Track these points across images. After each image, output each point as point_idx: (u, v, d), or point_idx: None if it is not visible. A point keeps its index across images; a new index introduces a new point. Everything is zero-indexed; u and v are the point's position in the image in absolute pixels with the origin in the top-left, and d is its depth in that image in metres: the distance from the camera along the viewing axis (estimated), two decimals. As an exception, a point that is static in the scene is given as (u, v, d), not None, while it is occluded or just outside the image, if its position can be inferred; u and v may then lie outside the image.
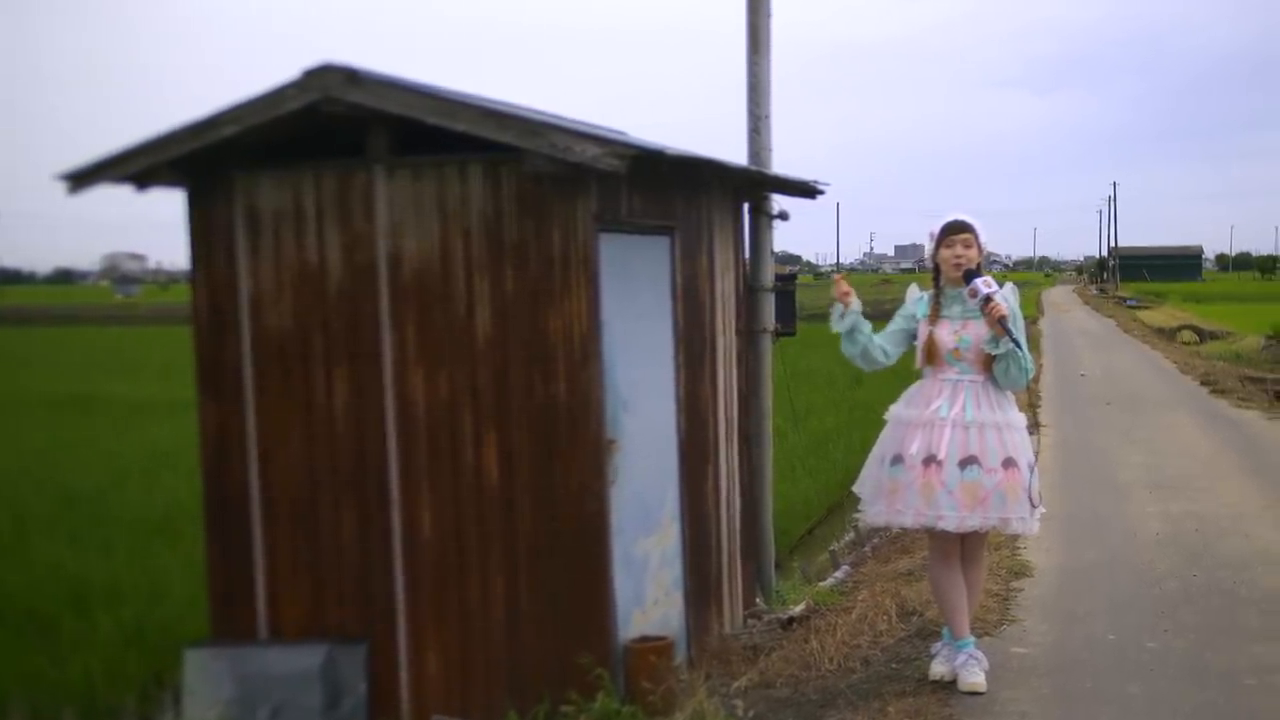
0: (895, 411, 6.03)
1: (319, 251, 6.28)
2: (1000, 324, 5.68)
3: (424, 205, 6.10)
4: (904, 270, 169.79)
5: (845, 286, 6.02)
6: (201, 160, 6.27)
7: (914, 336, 6.03)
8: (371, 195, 6.17)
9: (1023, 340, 5.81)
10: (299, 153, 6.32)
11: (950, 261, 5.91)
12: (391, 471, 6.22)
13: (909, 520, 5.87)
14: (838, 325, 6.06)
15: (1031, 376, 5.93)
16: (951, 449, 5.74)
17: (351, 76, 5.85)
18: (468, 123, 5.74)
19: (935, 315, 5.94)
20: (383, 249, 6.18)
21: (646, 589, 6.52)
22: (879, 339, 6.08)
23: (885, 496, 5.93)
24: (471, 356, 6.09)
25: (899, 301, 6.26)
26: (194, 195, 6.47)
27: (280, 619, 6.44)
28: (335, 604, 6.35)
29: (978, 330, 5.82)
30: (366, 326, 6.22)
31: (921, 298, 6.07)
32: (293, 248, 6.32)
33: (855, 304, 6.01)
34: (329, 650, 6.20)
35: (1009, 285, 5.96)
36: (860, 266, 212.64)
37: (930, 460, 5.76)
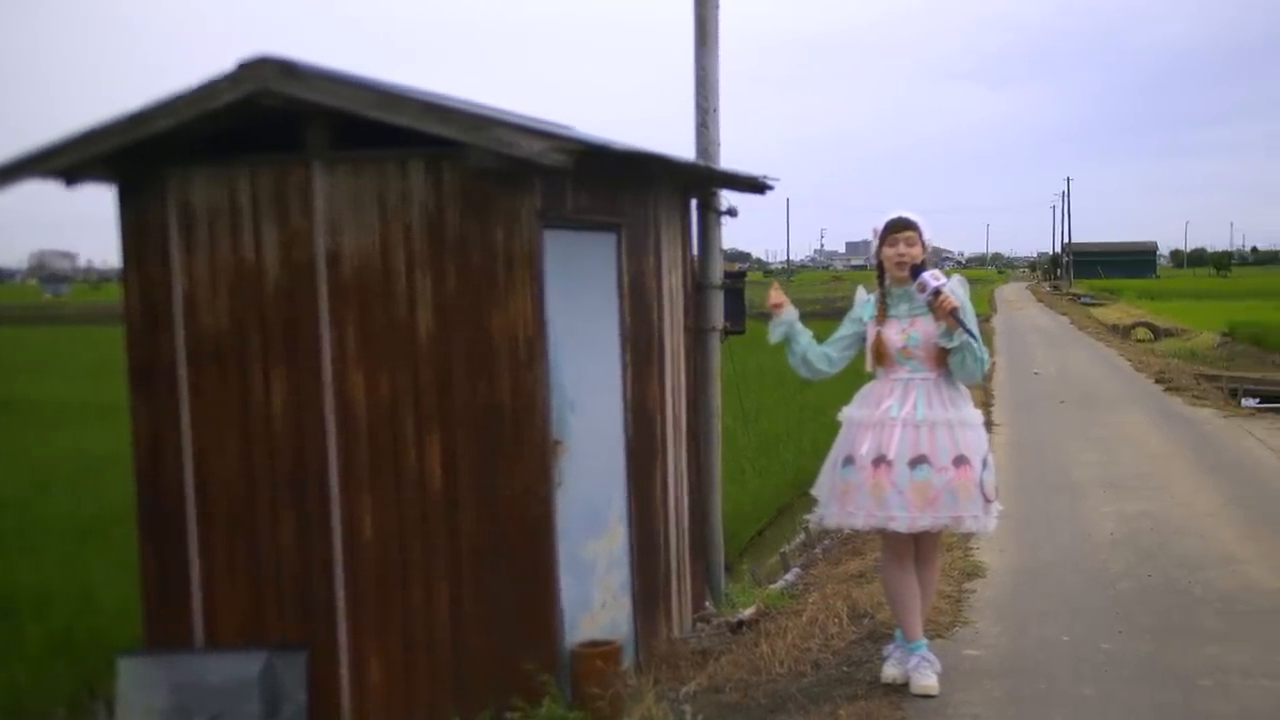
0: (848, 413, 6.08)
1: (255, 249, 6.25)
2: (952, 315, 5.74)
3: (364, 201, 6.09)
4: (855, 267, 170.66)
5: (778, 296, 6.08)
6: (134, 155, 6.23)
7: (864, 340, 6.09)
8: (310, 191, 6.15)
9: (976, 331, 5.88)
10: (239, 148, 6.30)
11: (893, 260, 5.96)
12: (332, 474, 6.21)
13: (860, 521, 5.92)
14: (772, 336, 6.14)
15: (987, 368, 5.99)
16: (901, 449, 5.80)
17: (288, 69, 5.83)
18: (409, 116, 5.73)
19: (882, 315, 6.00)
20: (321, 246, 6.16)
21: (593, 593, 6.54)
22: (823, 347, 6.13)
23: (837, 498, 5.99)
24: (413, 356, 6.09)
25: (850, 299, 6.32)
26: (125, 191, 6.43)
27: (217, 626, 6.41)
28: (274, 610, 6.33)
29: (926, 327, 5.88)
30: (305, 326, 6.21)
31: (868, 300, 6.13)
32: (228, 245, 6.29)
33: (789, 313, 6.08)
34: (268, 657, 6.17)
35: (957, 278, 6.02)
36: (811, 263, 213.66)
37: (880, 460, 5.81)
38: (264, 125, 6.20)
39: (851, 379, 6.25)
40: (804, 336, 6.13)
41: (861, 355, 6.13)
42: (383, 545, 6.17)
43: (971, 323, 5.87)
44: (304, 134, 6.13)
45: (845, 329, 6.15)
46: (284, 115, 6.03)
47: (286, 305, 6.23)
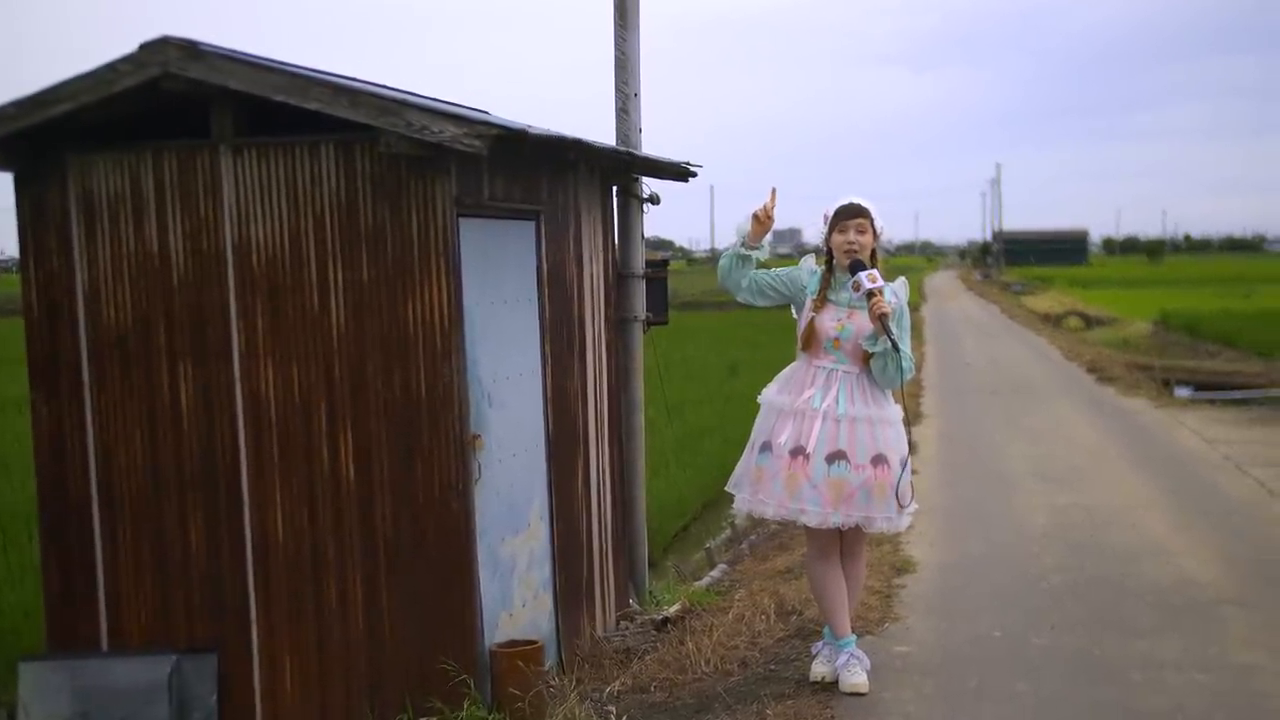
0: (768, 396, 6.12)
1: (160, 238, 6.23)
2: (881, 321, 5.80)
3: (273, 189, 6.09)
4: (782, 256, 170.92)
5: (768, 214, 6.04)
6: (32, 141, 6.20)
7: (788, 301, 6.15)
8: (216, 178, 6.14)
9: (906, 340, 5.94)
10: (149, 134, 6.28)
11: (842, 248, 6.00)
12: (242, 471, 6.22)
13: (770, 511, 5.98)
14: (735, 246, 6.10)
15: (910, 377, 6.06)
16: (820, 443, 5.86)
17: (191, 50, 5.82)
18: (319, 100, 5.74)
19: (822, 299, 6.05)
20: (229, 235, 6.16)
21: (514, 591, 6.58)
22: (758, 276, 6.15)
23: (751, 483, 6.05)
24: (325, 349, 6.10)
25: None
26: (23, 179, 6.38)
27: (123, 628, 6.39)
28: (183, 611, 6.33)
29: (862, 322, 5.91)
30: (213, 318, 6.20)
31: (816, 272, 6.15)
32: (132, 235, 6.27)
33: (763, 247, 6.09)
34: (176, 660, 6.17)
35: (901, 280, 6.08)
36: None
37: (798, 452, 5.88)
38: (174, 110, 6.19)
39: (778, 368, 6.31)
40: (751, 266, 6.16)
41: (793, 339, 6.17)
42: (295, 544, 6.18)
43: (904, 331, 5.95)
44: (211, 119, 6.12)
45: (779, 279, 6.15)
46: (191, 100, 6.03)
47: (194, 297, 6.22)
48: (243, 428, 6.20)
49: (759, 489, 5.99)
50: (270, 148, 6.08)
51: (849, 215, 6.02)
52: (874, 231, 6.03)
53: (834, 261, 6.07)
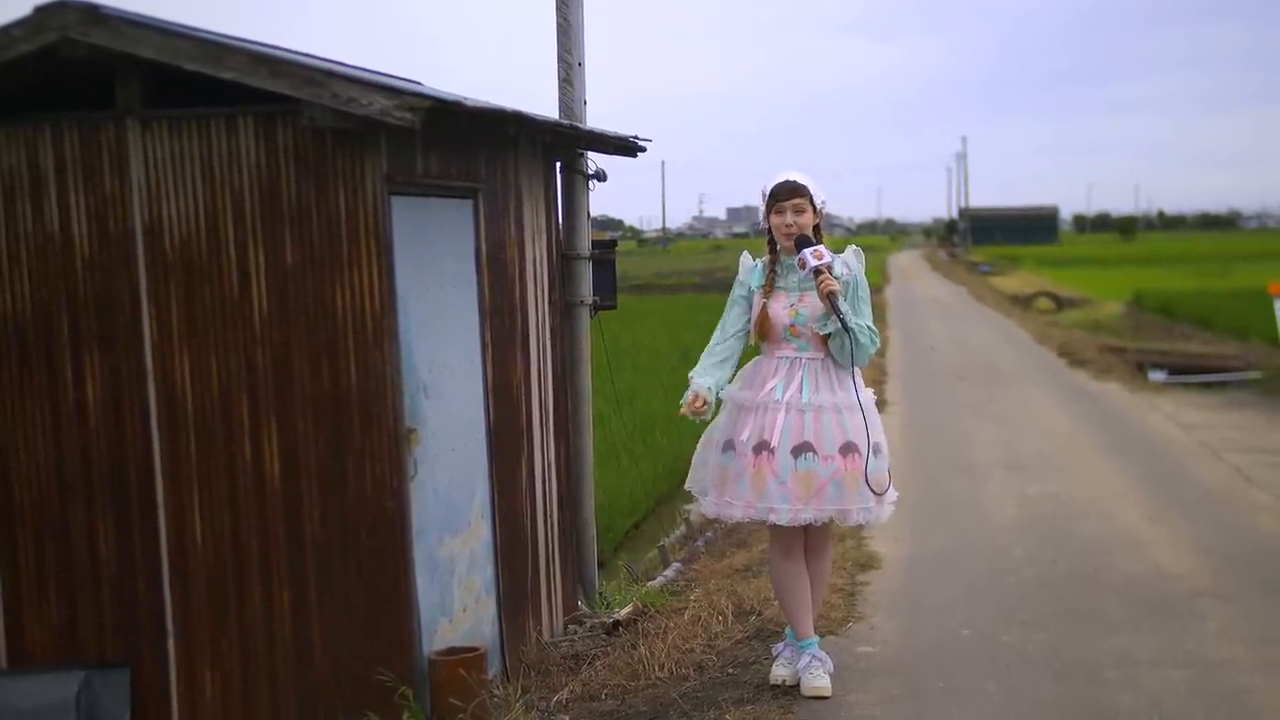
0: (729, 393, 6.08)
1: (62, 219, 6.12)
2: (829, 300, 5.75)
3: (186, 165, 5.98)
4: (737, 235, 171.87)
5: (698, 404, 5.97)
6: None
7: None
8: (123, 153, 6.03)
9: (865, 312, 5.89)
10: (48, 107, 6.16)
11: (781, 230, 5.95)
12: (155, 472, 6.12)
13: (738, 513, 5.93)
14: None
15: (875, 351, 6.01)
16: (784, 436, 5.81)
17: (92, 14, 5.70)
18: (235, 69, 5.64)
19: (770, 286, 6.00)
20: (138, 215, 6.05)
21: (454, 595, 6.52)
22: (723, 346, 6.07)
23: (715, 486, 6.00)
24: (247, 338, 6.01)
25: (733, 270, 6.32)
26: (-91, 153, 6.25)
27: (25, 644, 6.30)
28: (92, 625, 6.23)
29: (815, 303, 5.85)
30: (122, 305, 6.10)
31: (756, 265, 6.11)
32: (30, 215, 6.15)
33: (711, 404, 5.99)
34: (85, 677, 6.08)
35: (851, 249, 6.03)
36: (689, 232, 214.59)
37: (762, 447, 5.83)
38: (79, 80, 6.07)
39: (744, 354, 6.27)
40: (725, 372, 6.08)
41: None
42: (215, 549, 6.09)
43: (862, 300, 5.90)
44: (116, 90, 6.00)
45: (735, 303, 6.09)
46: (95, 68, 5.90)
47: (100, 282, 6.11)
48: (156, 424, 6.10)
49: (724, 490, 5.94)
50: (182, 120, 5.97)
51: (785, 195, 5.96)
52: (814, 209, 5.98)
53: (776, 245, 6.01)
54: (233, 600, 6.09)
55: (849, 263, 5.93)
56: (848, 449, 5.83)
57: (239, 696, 6.11)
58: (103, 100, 6.09)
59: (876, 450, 5.93)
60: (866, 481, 5.84)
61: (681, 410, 5.95)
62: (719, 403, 6.05)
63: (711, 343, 6.08)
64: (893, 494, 6.02)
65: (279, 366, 6.00)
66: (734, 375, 6.10)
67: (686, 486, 6.28)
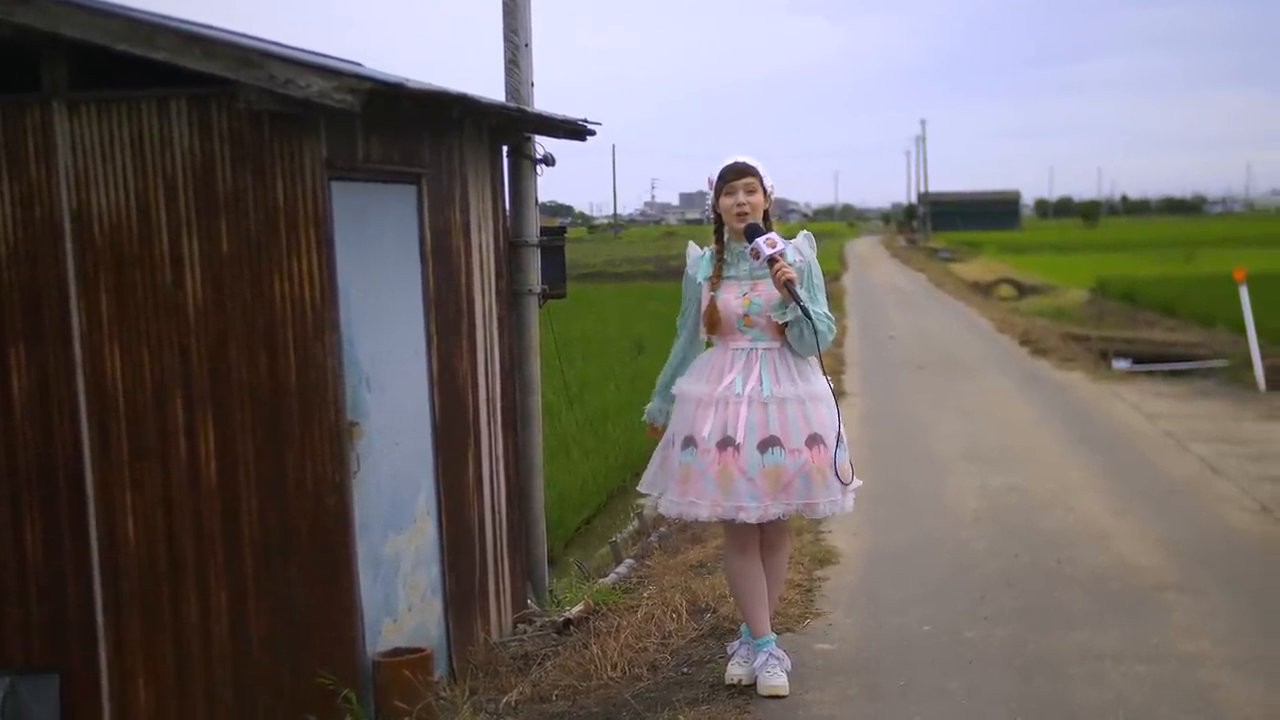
0: (683, 387, 6.04)
1: (-15, 206, 6.07)
2: (787, 288, 5.74)
3: (116, 150, 5.95)
4: (691, 221, 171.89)
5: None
6: None
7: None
8: (49, 138, 5.99)
9: (821, 299, 5.89)
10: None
11: (732, 212, 5.93)
12: (85, 469, 6.09)
13: (704, 512, 5.88)
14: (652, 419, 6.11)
15: (833, 338, 6.02)
16: (750, 430, 5.79)
17: (17, -9, 5.66)
18: (168, 50, 5.61)
19: (718, 276, 5.98)
20: (66, 202, 6.01)
21: (399, 594, 6.51)
22: (681, 348, 6.11)
23: (677, 484, 5.96)
24: (181, 330, 5.99)
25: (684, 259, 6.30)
26: None
27: (-52, 649, 6.25)
28: (17, 628, 6.21)
29: (769, 291, 5.83)
30: (49, 296, 6.07)
31: (703, 255, 6.09)
32: (-48, 202, 6.10)
33: (663, 411, 6.08)
34: (9, 683, 6.06)
35: (803, 234, 6.04)
36: (641, 218, 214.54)
37: (727, 443, 5.80)
38: (3, 64, 6.02)
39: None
40: (677, 372, 6.13)
41: None
42: (149, 549, 6.07)
43: (817, 288, 5.90)
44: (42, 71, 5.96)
45: (687, 297, 6.11)
46: (22, 49, 5.85)
47: (26, 272, 6.08)
48: (86, 419, 6.08)
49: (688, 489, 5.90)
50: (112, 103, 5.94)
51: (736, 175, 5.95)
52: (764, 191, 5.97)
53: (725, 232, 6.00)
54: (167, 602, 6.07)
55: (801, 249, 5.93)
56: (813, 440, 5.83)
57: (174, 701, 6.10)
58: (29, 83, 6.04)
59: (840, 440, 5.95)
60: (835, 473, 5.85)
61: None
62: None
63: (672, 354, 6.11)
64: (856, 482, 6.04)
65: (215, 359, 5.97)
66: (686, 358, 6.08)
67: (641, 488, 6.25)
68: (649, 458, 6.19)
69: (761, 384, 5.83)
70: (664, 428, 6.02)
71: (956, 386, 17.69)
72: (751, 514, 5.79)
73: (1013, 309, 33.71)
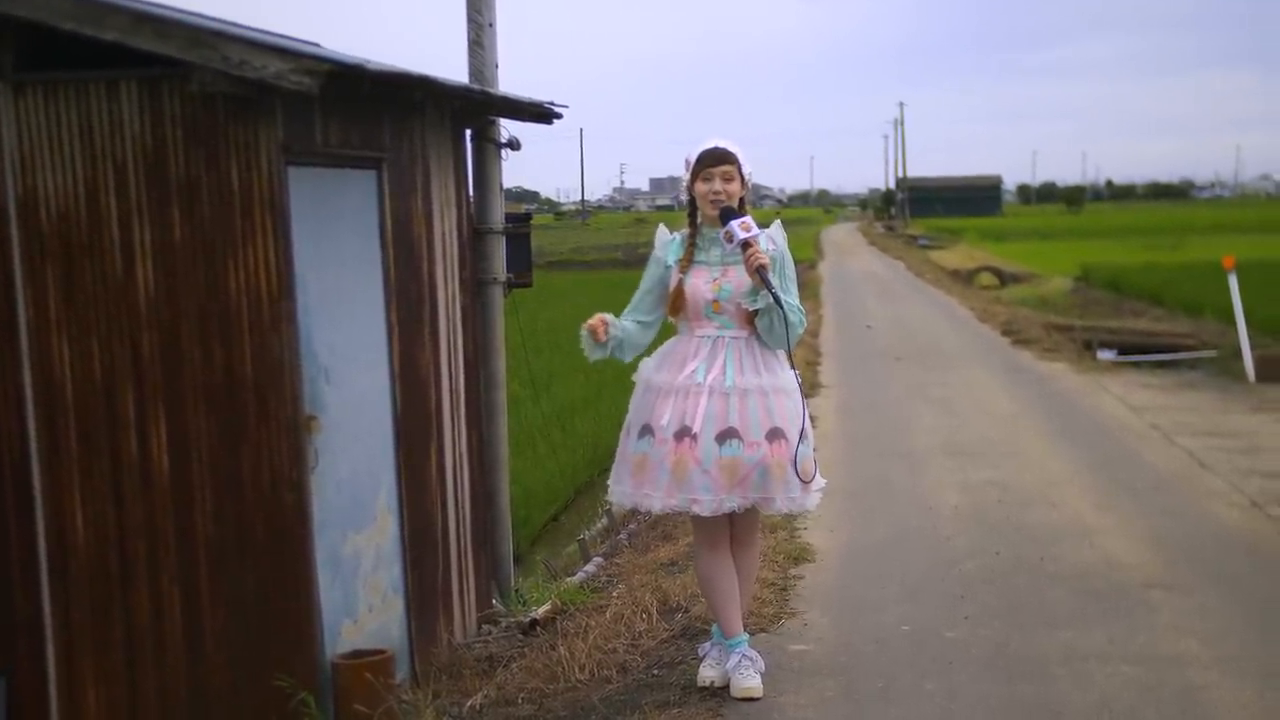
0: (645, 374, 6.03)
1: (-73, 192, 6.06)
2: (760, 274, 5.75)
3: (64, 134, 5.94)
4: (661, 208, 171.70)
5: (597, 323, 5.92)
6: None
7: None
8: (-7, 121, 5.97)
9: (793, 290, 5.91)
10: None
11: (708, 198, 5.94)
12: (32, 465, 6.09)
13: (657, 504, 5.89)
14: (591, 356, 6.00)
15: (803, 331, 6.02)
16: (708, 421, 5.79)
17: (-39, -29, 5.64)
18: (118, 30, 5.60)
19: (689, 260, 5.98)
20: (11, 188, 6.00)
21: (359, 595, 6.52)
22: (631, 317, 6.05)
23: (631, 474, 5.97)
24: (132, 321, 5.99)
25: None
26: None
27: (-111, 653, 6.23)
28: (-37, 630, 6.18)
29: (740, 278, 5.84)
30: (-7, 286, 6.04)
31: (673, 239, 6.09)
32: (-108, 188, 6.08)
33: (614, 330, 5.95)
34: (-43, 688, 6.03)
35: (776, 224, 6.05)
36: (610, 204, 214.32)
37: (684, 434, 5.81)
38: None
39: (665, 332, 6.25)
40: (621, 335, 6.02)
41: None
42: (99, 548, 6.07)
43: (789, 279, 5.91)
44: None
45: (648, 280, 6.10)
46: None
47: (-31, 261, 6.05)
48: (33, 414, 6.07)
49: (642, 480, 5.91)
50: (59, 85, 5.93)
51: (713, 162, 5.95)
52: (742, 179, 5.98)
53: (698, 216, 6.00)
54: (118, 601, 6.07)
55: (774, 238, 5.94)
56: (774, 435, 5.82)
57: (124, 706, 6.09)
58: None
59: (803, 435, 5.93)
60: (795, 469, 5.85)
61: (583, 326, 5.91)
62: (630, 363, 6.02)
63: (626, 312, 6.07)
64: (819, 481, 6.02)
65: (168, 351, 5.97)
66: (627, 344, 6.03)
67: (609, 483, 6.25)
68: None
69: (725, 373, 5.82)
70: (611, 321, 5.94)
71: (936, 378, 17.72)
72: (705, 507, 5.78)
73: (994, 298, 33.80)
